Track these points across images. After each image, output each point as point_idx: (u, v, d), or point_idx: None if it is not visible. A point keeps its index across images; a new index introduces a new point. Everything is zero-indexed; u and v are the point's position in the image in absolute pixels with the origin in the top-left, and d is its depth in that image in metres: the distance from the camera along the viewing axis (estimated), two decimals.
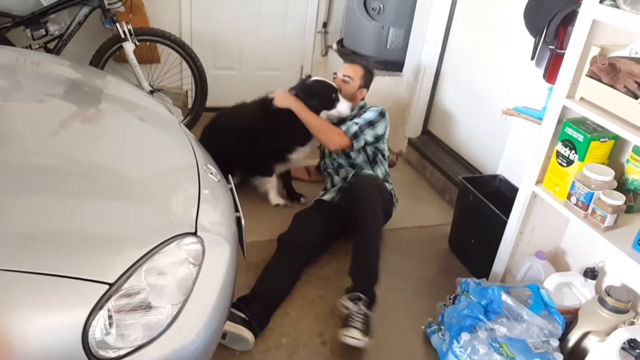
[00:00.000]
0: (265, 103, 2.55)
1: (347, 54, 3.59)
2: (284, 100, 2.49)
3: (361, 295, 1.93)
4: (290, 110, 2.45)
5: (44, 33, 2.84)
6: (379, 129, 2.47)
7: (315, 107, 2.48)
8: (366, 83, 2.62)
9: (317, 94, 2.48)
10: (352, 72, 2.57)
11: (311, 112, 2.46)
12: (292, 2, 3.75)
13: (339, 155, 2.60)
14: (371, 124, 2.45)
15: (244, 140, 2.57)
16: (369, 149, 2.53)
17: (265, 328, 1.93)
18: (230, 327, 1.79)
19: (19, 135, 1.46)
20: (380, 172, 2.56)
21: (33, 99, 1.71)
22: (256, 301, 1.93)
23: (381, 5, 3.35)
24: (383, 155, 2.60)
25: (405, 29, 3.37)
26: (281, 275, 2.10)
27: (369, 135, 2.44)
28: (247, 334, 1.81)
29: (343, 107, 2.49)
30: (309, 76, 2.61)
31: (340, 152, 2.56)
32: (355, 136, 2.41)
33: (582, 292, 1.87)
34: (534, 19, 1.98)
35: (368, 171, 2.50)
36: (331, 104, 2.49)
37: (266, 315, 1.95)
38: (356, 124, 2.43)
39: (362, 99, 2.64)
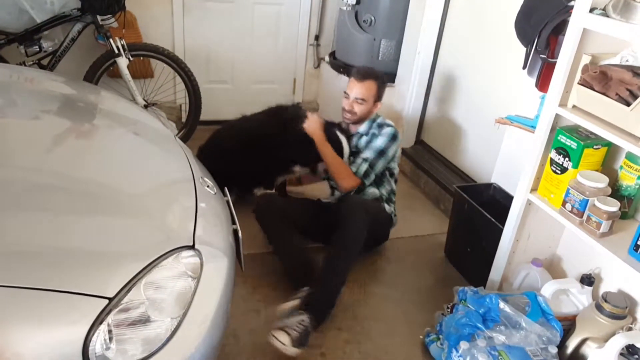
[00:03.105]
0: (280, 116, 2.55)
1: (341, 66, 3.62)
2: (313, 128, 2.44)
3: (309, 315, 1.89)
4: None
5: (38, 49, 2.85)
6: (390, 153, 2.42)
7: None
8: (380, 95, 2.48)
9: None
10: (365, 93, 2.42)
11: (331, 149, 2.40)
12: (284, 16, 3.78)
13: None
14: (382, 153, 2.39)
15: (251, 153, 2.54)
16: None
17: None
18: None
19: (13, 152, 1.46)
20: (384, 191, 2.49)
21: (27, 116, 1.71)
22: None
23: (372, 18, 3.38)
24: (392, 174, 2.53)
25: (397, 40, 3.40)
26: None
27: (380, 166, 2.41)
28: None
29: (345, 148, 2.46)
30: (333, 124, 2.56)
31: None
32: (366, 175, 2.39)
33: (579, 299, 1.88)
34: (525, 29, 2.01)
35: (371, 190, 2.45)
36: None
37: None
38: (366, 160, 2.38)
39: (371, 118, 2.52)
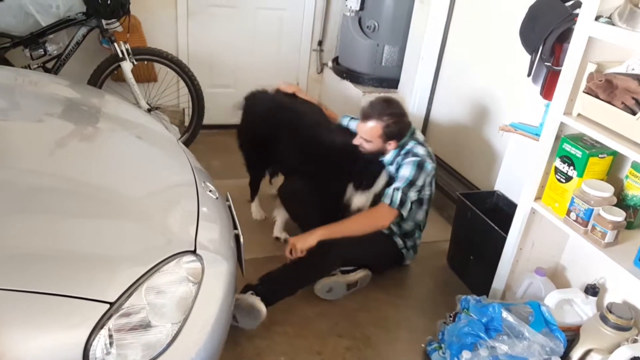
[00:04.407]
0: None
1: (343, 72, 3.62)
2: (302, 240, 2.13)
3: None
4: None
5: (43, 53, 2.85)
6: (419, 182, 2.19)
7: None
8: (392, 134, 2.24)
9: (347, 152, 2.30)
10: (368, 134, 2.24)
11: (340, 224, 2.16)
12: (288, 21, 3.79)
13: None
14: (412, 183, 2.17)
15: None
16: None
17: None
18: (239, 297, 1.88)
19: (17, 154, 1.46)
20: (407, 226, 2.34)
21: (31, 119, 1.72)
22: None
23: (376, 24, 3.39)
24: (420, 203, 2.31)
25: (400, 46, 3.40)
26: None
27: (413, 196, 2.18)
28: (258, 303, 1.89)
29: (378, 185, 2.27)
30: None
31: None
32: (402, 204, 2.15)
33: (583, 309, 1.86)
34: (530, 37, 2.00)
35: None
36: (370, 183, 2.29)
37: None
38: (398, 189, 2.15)
39: (398, 144, 2.28)
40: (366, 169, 2.27)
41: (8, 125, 1.64)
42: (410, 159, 2.21)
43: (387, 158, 2.31)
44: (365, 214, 2.22)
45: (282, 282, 2.06)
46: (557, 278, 2.08)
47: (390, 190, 2.18)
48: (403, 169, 2.21)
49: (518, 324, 1.73)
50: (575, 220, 1.69)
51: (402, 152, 2.27)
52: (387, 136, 2.23)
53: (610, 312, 1.67)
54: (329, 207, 2.34)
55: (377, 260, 2.34)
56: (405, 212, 2.17)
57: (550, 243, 2.02)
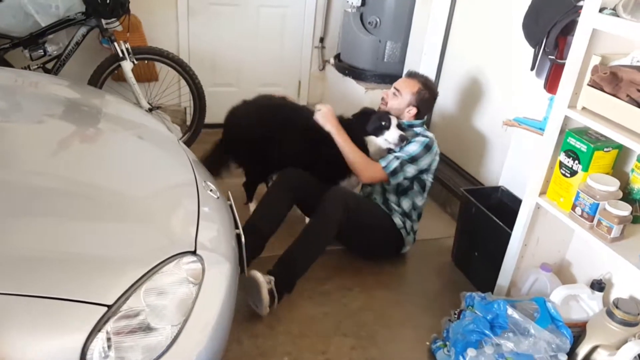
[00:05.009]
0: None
1: (346, 69, 3.61)
2: (323, 118, 2.33)
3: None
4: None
5: (42, 53, 2.84)
6: (423, 163, 2.29)
7: (360, 129, 2.35)
8: (419, 101, 2.37)
9: (369, 118, 2.36)
10: (402, 86, 2.39)
11: (349, 139, 2.29)
12: (289, 18, 3.77)
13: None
14: (414, 159, 2.27)
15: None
16: (406, 180, 2.35)
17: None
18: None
19: (18, 156, 1.45)
20: (405, 204, 2.39)
21: (32, 120, 1.71)
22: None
23: (377, 19, 3.36)
24: (422, 187, 2.40)
25: (402, 42, 3.38)
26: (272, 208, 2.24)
27: (410, 171, 2.28)
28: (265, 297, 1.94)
29: (391, 135, 2.28)
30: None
31: None
32: (394, 173, 2.26)
33: (589, 305, 1.84)
34: (533, 30, 1.98)
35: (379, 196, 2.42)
36: (379, 128, 2.31)
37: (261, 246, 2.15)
38: (397, 158, 2.26)
39: (416, 118, 2.41)
40: (379, 118, 2.35)
41: (9, 126, 1.63)
42: (420, 138, 2.32)
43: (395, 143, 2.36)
44: (365, 156, 2.31)
45: (294, 257, 2.07)
46: (563, 274, 2.06)
47: (390, 156, 2.29)
48: (410, 145, 2.30)
49: (524, 320, 1.72)
50: (581, 215, 1.66)
51: (411, 130, 2.38)
52: (416, 99, 2.38)
53: (617, 307, 1.65)
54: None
55: (377, 233, 2.34)
56: (393, 181, 2.29)
57: (556, 238, 2.00)
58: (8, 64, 2.83)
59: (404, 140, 2.29)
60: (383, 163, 2.27)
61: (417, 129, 2.39)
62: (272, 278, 1.99)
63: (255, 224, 2.18)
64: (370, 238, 2.35)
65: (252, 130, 2.49)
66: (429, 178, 2.41)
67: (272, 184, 2.37)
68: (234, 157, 2.65)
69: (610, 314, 1.66)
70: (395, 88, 2.41)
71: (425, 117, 2.49)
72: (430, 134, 2.37)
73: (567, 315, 1.78)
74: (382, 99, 2.46)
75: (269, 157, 2.50)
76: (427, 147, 2.30)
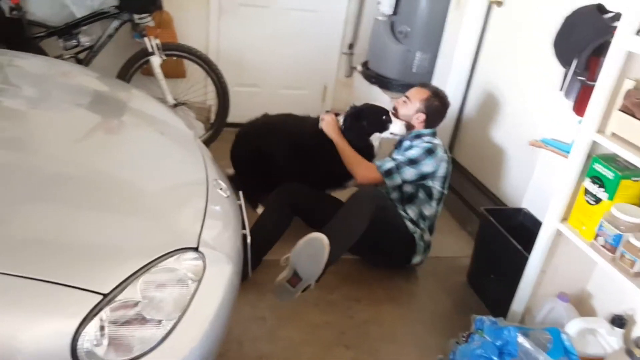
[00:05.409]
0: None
1: (373, 77, 3.57)
2: (327, 126, 2.48)
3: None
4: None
5: (76, 44, 2.91)
6: (425, 167, 2.32)
7: (364, 130, 2.46)
8: (428, 108, 2.44)
9: (366, 117, 2.45)
10: (413, 94, 2.48)
11: (347, 143, 2.43)
12: (319, 23, 3.76)
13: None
14: (413, 162, 2.31)
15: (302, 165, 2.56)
16: (409, 187, 2.39)
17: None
18: None
19: (40, 142, 1.49)
20: (412, 213, 2.39)
21: (59, 108, 1.74)
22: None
23: (408, 29, 3.32)
24: (429, 195, 2.40)
25: (433, 53, 3.33)
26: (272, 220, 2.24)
27: (408, 174, 2.31)
28: None
29: (396, 127, 2.42)
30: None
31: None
32: (388, 173, 2.31)
33: (608, 341, 1.74)
34: (564, 49, 1.91)
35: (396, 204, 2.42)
36: (382, 125, 2.44)
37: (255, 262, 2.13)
38: (394, 160, 2.33)
39: (426, 126, 2.47)
40: (375, 113, 2.45)
41: (36, 113, 1.68)
42: (423, 144, 2.37)
43: (402, 133, 2.46)
44: (360, 157, 2.41)
45: (334, 235, 1.97)
46: (582, 305, 1.97)
47: (387, 157, 2.38)
48: (412, 149, 2.37)
49: (535, 350, 1.64)
50: (603, 246, 1.59)
51: (419, 139, 2.43)
52: (425, 106, 2.43)
53: (638, 347, 1.56)
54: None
55: (392, 234, 2.30)
56: (388, 182, 2.32)
57: (576, 267, 1.92)
58: (43, 52, 2.89)
59: (410, 129, 2.42)
60: (377, 163, 2.36)
61: (425, 138, 2.43)
62: None
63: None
64: (385, 240, 2.29)
65: (252, 147, 2.65)
66: (436, 185, 2.39)
67: (271, 199, 2.35)
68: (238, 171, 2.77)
69: (630, 354, 1.58)
70: (405, 96, 2.49)
71: (436, 127, 2.52)
72: (436, 141, 2.41)
73: (582, 349, 1.70)
74: (394, 107, 2.52)
75: (268, 171, 2.58)
76: (429, 151, 2.33)
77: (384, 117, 2.43)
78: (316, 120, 2.58)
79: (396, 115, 2.47)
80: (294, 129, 2.63)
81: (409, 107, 2.46)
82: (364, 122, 2.45)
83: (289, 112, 2.74)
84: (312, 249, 1.87)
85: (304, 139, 2.55)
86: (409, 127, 2.46)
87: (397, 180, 2.32)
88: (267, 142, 2.61)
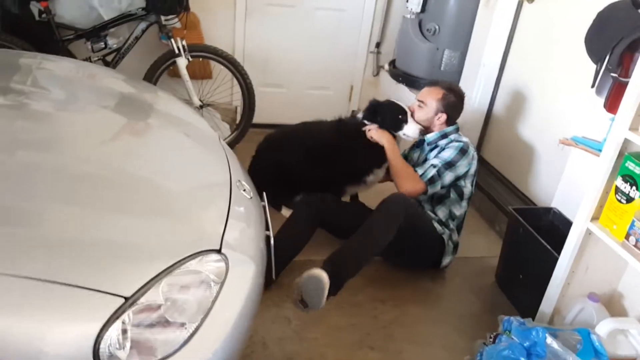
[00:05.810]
0: (342, 125, 2.54)
1: (400, 75, 3.54)
2: (378, 135, 2.38)
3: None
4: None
5: (103, 46, 2.96)
6: (460, 169, 2.28)
7: (380, 126, 2.42)
8: (447, 107, 2.37)
9: (382, 113, 2.42)
10: (426, 96, 2.40)
11: (399, 154, 2.36)
12: (346, 22, 3.74)
13: None
14: (450, 165, 2.27)
15: (319, 165, 2.51)
16: (441, 189, 2.35)
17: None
18: None
19: (68, 143, 1.50)
20: (441, 213, 2.36)
21: (86, 110, 1.77)
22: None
23: (437, 27, 3.28)
24: (460, 195, 2.36)
25: (461, 51, 3.28)
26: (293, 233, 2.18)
27: (447, 178, 2.27)
28: None
29: (410, 129, 2.38)
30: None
31: None
32: (431, 181, 2.26)
33: (639, 341, 1.70)
34: (596, 45, 1.85)
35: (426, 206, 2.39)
36: (396, 125, 2.39)
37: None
38: (434, 166, 2.27)
39: (448, 124, 2.42)
40: (392, 111, 2.41)
41: (64, 115, 1.70)
42: (454, 143, 2.32)
43: (430, 137, 2.42)
44: (409, 169, 2.33)
45: (346, 258, 1.98)
46: (613, 306, 1.91)
47: (427, 164, 2.30)
48: (445, 151, 2.31)
49: (564, 351, 1.60)
50: (635, 245, 1.54)
51: (447, 139, 2.38)
52: (443, 105, 2.36)
53: None
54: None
55: (422, 240, 2.28)
56: (431, 190, 2.27)
57: (607, 267, 1.87)
58: (71, 54, 2.96)
59: (424, 134, 2.39)
60: (420, 171, 2.28)
61: (452, 136, 2.39)
62: None
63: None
64: (416, 246, 2.27)
65: (274, 161, 2.62)
66: (467, 185, 2.35)
67: (295, 211, 2.32)
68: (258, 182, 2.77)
69: None
70: (419, 100, 2.41)
71: (457, 122, 2.47)
72: (464, 139, 2.37)
73: (613, 350, 1.66)
74: (411, 112, 2.44)
75: (290, 179, 2.56)
76: (463, 151, 2.29)
77: (399, 117, 2.39)
78: (330, 123, 2.56)
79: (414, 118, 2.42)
80: (311, 136, 2.60)
81: (427, 110, 2.39)
82: (379, 118, 2.41)
83: (303, 120, 2.70)
84: (313, 285, 1.86)
85: (321, 144, 2.52)
86: (425, 131, 2.41)
87: (438, 187, 2.28)
88: (288, 154, 2.59)
